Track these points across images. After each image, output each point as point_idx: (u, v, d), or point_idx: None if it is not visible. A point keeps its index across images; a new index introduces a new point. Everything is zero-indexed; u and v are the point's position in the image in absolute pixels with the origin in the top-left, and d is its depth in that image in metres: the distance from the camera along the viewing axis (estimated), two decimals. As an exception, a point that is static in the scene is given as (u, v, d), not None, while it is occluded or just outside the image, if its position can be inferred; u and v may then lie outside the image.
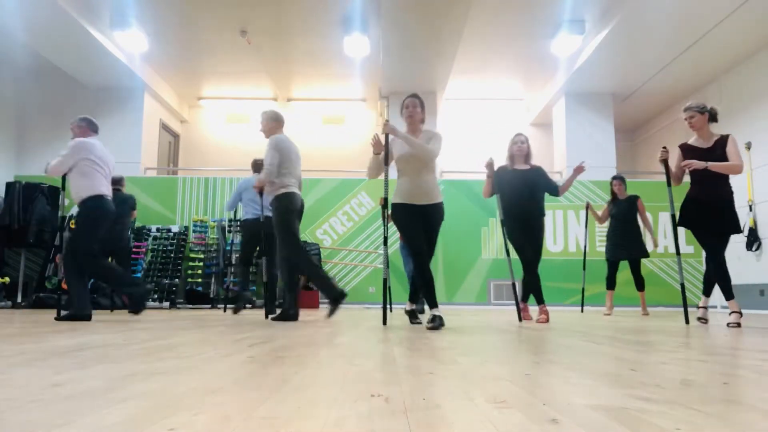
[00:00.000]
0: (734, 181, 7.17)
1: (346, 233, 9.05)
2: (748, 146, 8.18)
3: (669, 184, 4.30)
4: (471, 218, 9.07)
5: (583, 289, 6.96)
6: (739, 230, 3.99)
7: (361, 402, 1.05)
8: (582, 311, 6.84)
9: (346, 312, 6.39)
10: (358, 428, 0.85)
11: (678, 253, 4.33)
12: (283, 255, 4.28)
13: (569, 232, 9.03)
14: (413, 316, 4.07)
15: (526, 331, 3.18)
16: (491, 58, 9.33)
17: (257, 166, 5.86)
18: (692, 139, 4.15)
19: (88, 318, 4.16)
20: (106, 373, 1.39)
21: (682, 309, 4.39)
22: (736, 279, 8.33)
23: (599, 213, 6.60)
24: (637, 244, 6.16)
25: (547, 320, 4.33)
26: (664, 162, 4.26)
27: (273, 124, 4.58)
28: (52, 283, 7.90)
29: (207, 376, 1.37)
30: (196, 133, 11.62)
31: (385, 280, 3.93)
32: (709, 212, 3.96)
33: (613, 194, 6.38)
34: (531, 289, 4.59)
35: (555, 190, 4.61)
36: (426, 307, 6.71)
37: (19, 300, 7.95)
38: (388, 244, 8.08)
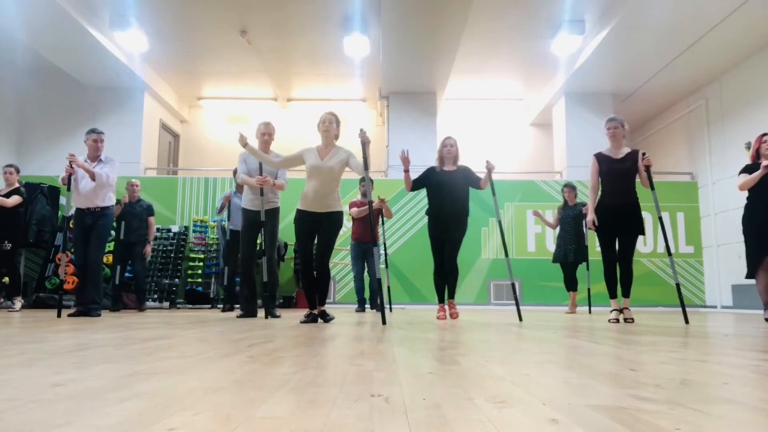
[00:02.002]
0: (734, 180, 7.14)
1: (346, 233, 9.03)
2: (748, 146, 8.16)
3: (652, 187, 4.42)
4: (471, 218, 9.05)
5: (588, 290, 6.97)
6: (643, 232, 4.44)
7: (361, 402, 1.05)
8: (590, 312, 6.85)
9: (346, 312, 6.40)
10: (358, 428, 0.85)
11: (669, 253, 4.36)
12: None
13: (569, 232, 9.02)
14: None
15: (526, 331, 3.18)
16: (491, 58, 9.33)
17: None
18: (606, 149, 4.62)
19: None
20: (106, 373, 1.39)
21: (681, 309, 4.39)
22: (736, 279, 8.36)
23: (550, 220, 7.09)
24: (582, 247, 6.70)
25: (457, 316, 4.71)
26: (647, 168, 4.40)
27: None
28: (52, 283, 7.90)
29: (207, 376, 1.37)
30: (196, 133, 11.62)
31: (378, 281, 3.97)
32: (621, 216, 4.40)
33: (565, 201, 6.90)
34: (443, 286, 4.75)
35: (477, 183, 4.76)
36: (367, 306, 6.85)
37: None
38: (387, 245, 8.11)
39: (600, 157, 4.56)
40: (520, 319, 4.54)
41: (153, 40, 8.61)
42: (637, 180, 4.50)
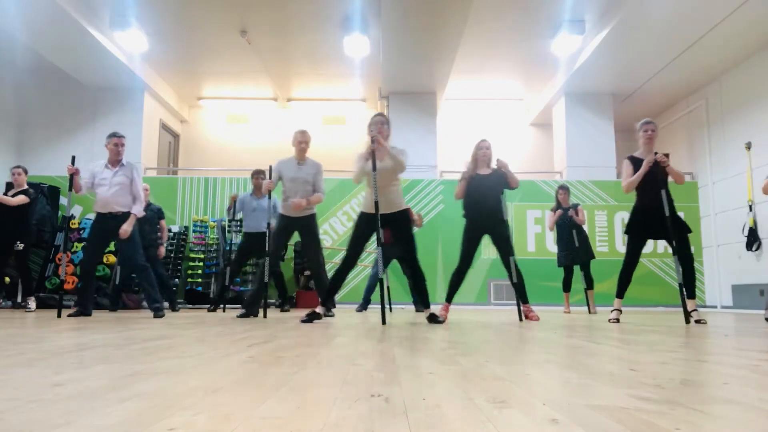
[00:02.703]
0: (734, 181, 7.19)
1: (346, 233, 9.05)
2: (748, 146, 8.18)
3: (662, 187, 4.39)
4: (471, 218, 9.07)
5: (585, 290, 6.96)
6: (690, 230, 4.41)
7: (361, 402, 1.05)
8: (589, 312, 6.85)
9: (346, 312, 6.39)
10: (358, 428, 0.85)
11: (674, 253, 4.35)
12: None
13: (569, 232, 9.03)
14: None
15: (526, 331, 3.18)
16: (491, 58, 9.34)
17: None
18: (637, 153, 4.66)
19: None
20: (106, 373, 1.39)
21: (681, 309, 4.38)
22: (736, 279, 8.37)
23: (550, 221, 7.03)
24: (585, 248, 6.68)
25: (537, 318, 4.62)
26: (660, 163, 4.39)
27: None
28: (52, 283, 7.90)
29: (207, 376, 1.37)
30: (196, 133, 11.62)
31: (381, 281, 3.96)
32: (658, 219, 4.35)
33: (558, 202, 6.89)
34: (458, 287, 4.70)
35: (510, 184, 4.81)
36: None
37: (19, 300, 7.95)
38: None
39: (634, 160, 4.54)
40: (521, 319, 4.53)
41: (153, 40, 8.61)
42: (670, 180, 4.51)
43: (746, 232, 8.06)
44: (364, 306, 6.70)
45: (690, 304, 4.31)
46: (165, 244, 7.02)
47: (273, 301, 8.36)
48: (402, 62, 8.59)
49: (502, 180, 4.79)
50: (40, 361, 1.62)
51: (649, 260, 8.94)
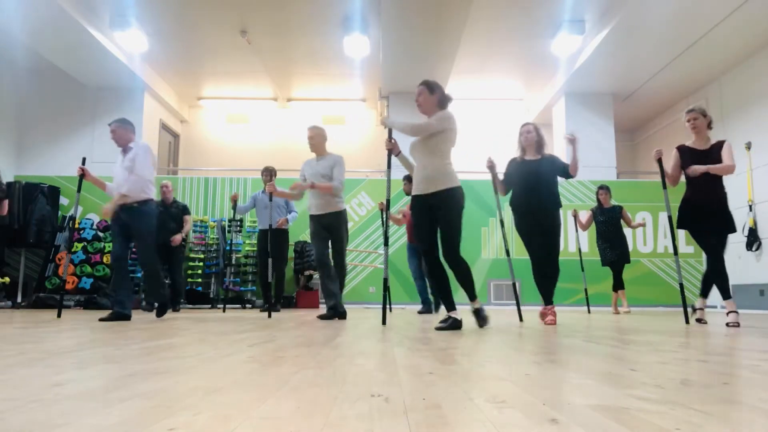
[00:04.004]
0: (734, 181, 7.26)
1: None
2: (748, 146, 8.17)
3: (664, 185, 4.35)
4: (471, 218, 9.06)
5: (585, 290, 6.96)
6: (734, 229, 4.17)
7: (361, 402, 1.05)
8: (589, 312, 6.85)
9: (346, 312, 6.39)
10: (358, 428, 0.85)
11: (676, 253, 4.35)
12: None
13: (569, 232, 9.03)
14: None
15: (526, 331, 3.18)
16: (491, 58, 9.33)
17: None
18: (690, 142, 4.35)
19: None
20: (106, 373, 1.39)
21: (681, 309, 4.39)
22: (736, 279, 8.36)
23: (583, 220, 6.95)
24: (623, 249, 6.62)
25: (554, 322, 4.12)
26: (659, 162, 4.37)
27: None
28: (52, 283, 7.90)
29: (207, 376, 1.37)
30: (196, 133, 11.62)
31: (385, 280, 3.95)
32: (705, 213, 4.13)
33: (599, 202, 6.84)
34: (542, 285, 4.25)
35: (566, 172, 4.18)
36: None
37: (19, 300, 7.95)
38: (389, 244, 8.07)
39: (683, 150, 4.26)
40: (521, 319, 4.53)
41: (153, 40, 8.61)
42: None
43: (746, 232, 8.06)
44: (428, 306, 6.56)
45: (700, 302, 4.34)
46: (183, 235, 6.79)
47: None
48: (402, 62, 8.59)
49: (555, 166, 4.22)
50: (40, 361, 1.62)
51: (649, 260, 8.94)
